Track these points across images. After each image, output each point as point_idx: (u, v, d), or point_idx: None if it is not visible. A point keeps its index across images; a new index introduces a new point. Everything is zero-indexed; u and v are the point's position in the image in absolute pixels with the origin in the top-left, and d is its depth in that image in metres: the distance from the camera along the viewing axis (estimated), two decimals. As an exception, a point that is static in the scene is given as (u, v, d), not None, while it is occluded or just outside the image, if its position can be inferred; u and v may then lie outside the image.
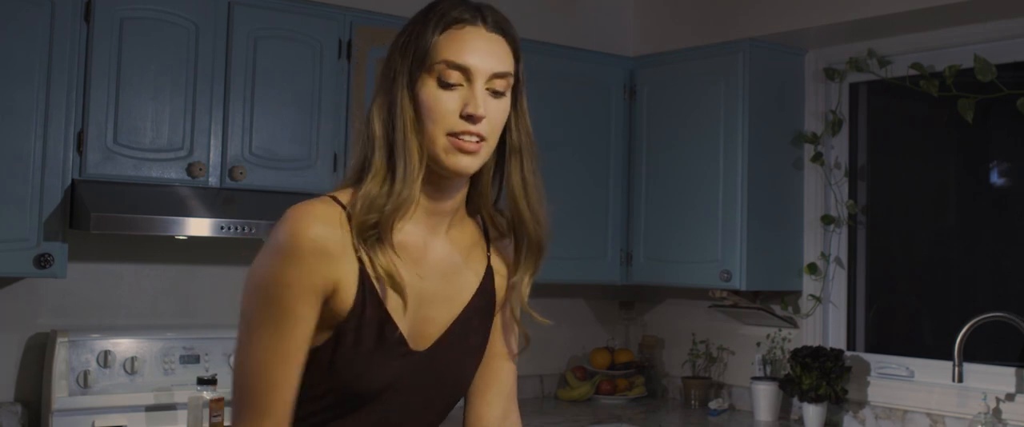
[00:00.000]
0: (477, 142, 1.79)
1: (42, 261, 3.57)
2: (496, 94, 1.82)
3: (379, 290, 1.79)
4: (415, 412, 1.91)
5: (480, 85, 1.79)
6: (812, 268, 4.62)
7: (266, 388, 1.74)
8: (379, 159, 1.79)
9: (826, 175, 4.64)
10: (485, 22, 1.83)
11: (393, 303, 1.80)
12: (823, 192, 4.66)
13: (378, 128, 1.81)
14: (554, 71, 4.71)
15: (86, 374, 3.84)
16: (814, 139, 4.62)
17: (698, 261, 4.62)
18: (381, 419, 1.86)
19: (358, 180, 1.81)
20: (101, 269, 4.08)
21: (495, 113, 1.82)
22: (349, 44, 4.17)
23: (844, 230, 4.63)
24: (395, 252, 1.79)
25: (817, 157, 4.61)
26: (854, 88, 4.67)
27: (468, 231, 1.97)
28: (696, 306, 5.08)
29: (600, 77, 4.89)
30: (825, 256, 4.63)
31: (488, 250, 2.00)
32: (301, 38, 4.07)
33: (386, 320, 1.80)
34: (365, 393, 1.81)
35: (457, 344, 1.93)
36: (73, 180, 3.63)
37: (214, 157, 3.89)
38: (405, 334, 1.83)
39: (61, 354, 3.81)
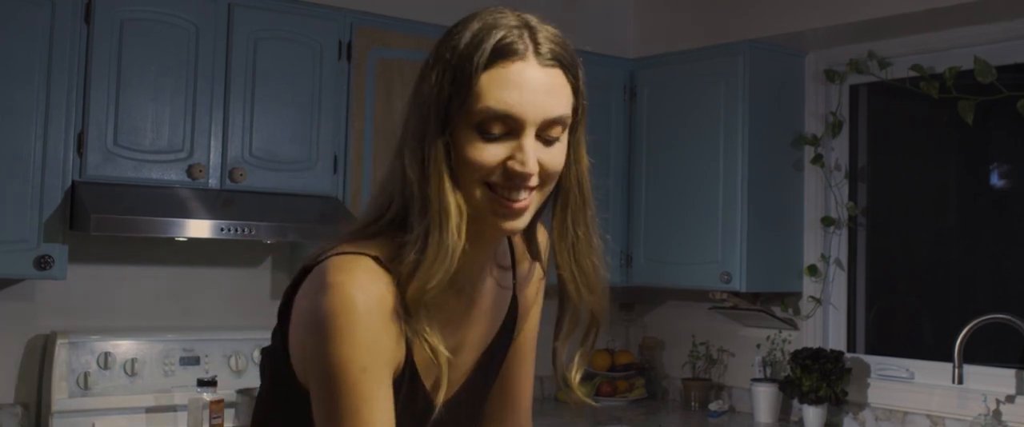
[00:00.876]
0: (527, 197, 1.54)
1: (42, 263, 3.57)
2: (549, 140, 1.54)
3: (413, 356, 1.58)
4: None
5: (530, 136, 1.51)
6: (812, 270, 4.62)
7: None
8: (416, 218, 1.53)
9: (826, 177, 4.64)
10: (538, 52, 1.53)
11: (424, 365, 1.60)
12: (823, 194, 4.66)
13: (413, 178, 1.53)
14: (554, 73, 4.70)
15: (86, 376, 3.84)
16: (814, 141, 4.62)
17: (698, 263, 4.62)
18: None
19: (395, 229, 1.56)
20: (101, 271, 4.08)
21: (550, 162, 1.55)
22: (349, 45, 4.17)
23: (844, 232, 4.62)
24: (433, 320, 1.56)
25: (817, 159, 4.61)
26: (854, 90, 4.67)
27: (501, 257, 1.76)
28: (696, 308, 5.08)
29: (600, 78, 4.88)
30: (825, 258, 4.63)
31: (514, 277, 1.78)
32: (301, 39, 4.07)
33: (419, 385, 1.61)
34: None
35: (477, 386, 1.77)
36: (73, 181, 3.63)
37: (214, 159, 3.89)
38: (429, 390, 1.64)
39: (61, 356, 3.81)
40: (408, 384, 1.59)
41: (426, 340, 1.53)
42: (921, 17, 4.08)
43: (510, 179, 1.51)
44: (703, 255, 4.60)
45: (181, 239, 4.01)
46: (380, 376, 1.50)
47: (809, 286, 4.66)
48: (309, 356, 1.53)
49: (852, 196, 4.64)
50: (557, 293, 1.69)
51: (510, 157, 1.51)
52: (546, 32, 1.57)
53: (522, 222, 1.56)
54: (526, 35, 1.54)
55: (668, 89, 4.82)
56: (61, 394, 3.79)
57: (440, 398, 1.58)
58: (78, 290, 4.01)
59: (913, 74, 4.26)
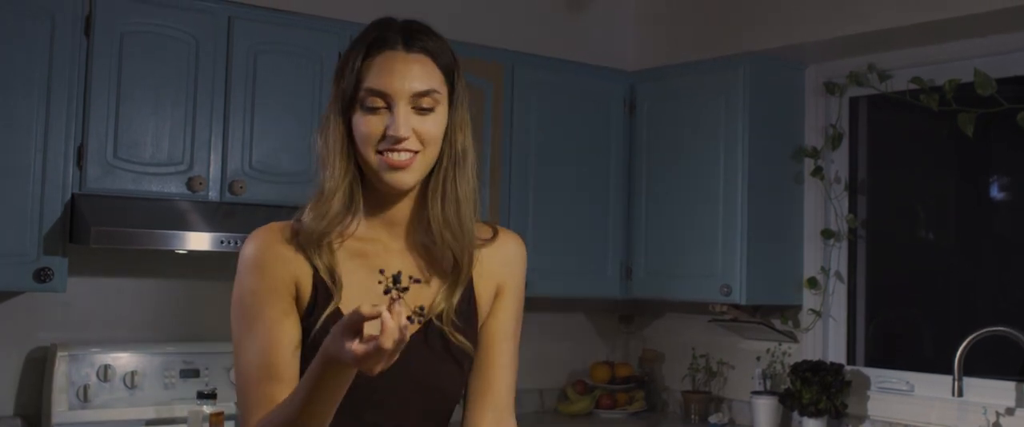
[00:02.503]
0: (409, 157, 1.90)
1: (42, 275, 3.57)
2: (424, 111, 1.91)
3: (334, 294, 1.92)
4: (395, 415, 1.95)
5: (402, 107, 1.89)
6: (812, 282, 4.62)
7: (255, 387, 1.87)
8: (324, 178, 1.95)
9: (826, 189, 4.64)
10: (406, 45, 1.92)
11: (349, 306, 1.86)
12: (823, 206, 4.66)
13: (319, 149, 1.96)
14: (554, 85, 4.71)
15: (86, 388, 3.83)
16: (814, 153, 4.62)
17: (698, 275, 4.62)
18: (357, 420, 1.91)
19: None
20: (101, 283, 4.08)
21: (426, 129, 1.91)
22: (349, 58, 4.16)
23: (844, 244, 4.62)
24: (334, 261, 1.93)
25: (817, 171, 4.61)
26: (854, 102, 4.67)
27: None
28: (696, 320, 5.07)
29: (600, 91, 4.89)
30: (825, 270, 4.63)
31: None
32: (301, 52, 4.07)
33: (339, 317, 1.86)
34: None
35: (432, 349, 1.96)
36: (73, 194, 3.63)
37: (214, 171, 3.89)
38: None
39: (61, 368, 3.81)
40: (330, 326, 1.84)
41: (321, 265, 1.91)
42: (921, 30, 4.08)
43: (390, 142, 1.88)
44: (703, 267, 4.60)
45: (181, 252, 4.01)
46: (268, 299, 1.89)
47: (809, 298, 4.66)
48: None
49: (852, 208, 4.64)
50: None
51: (388, 126, 1.89)
52: (418, 32, 1.95)
53: (408, 177, 1.91)
54: (398, 33, 1.93)
55: (668, 102, 4.82)
56: (61, 407, 3.79)
57: (339, 307, 1.90)
58: (78, 303, 4.01)
59: (913, 86, 4.26)
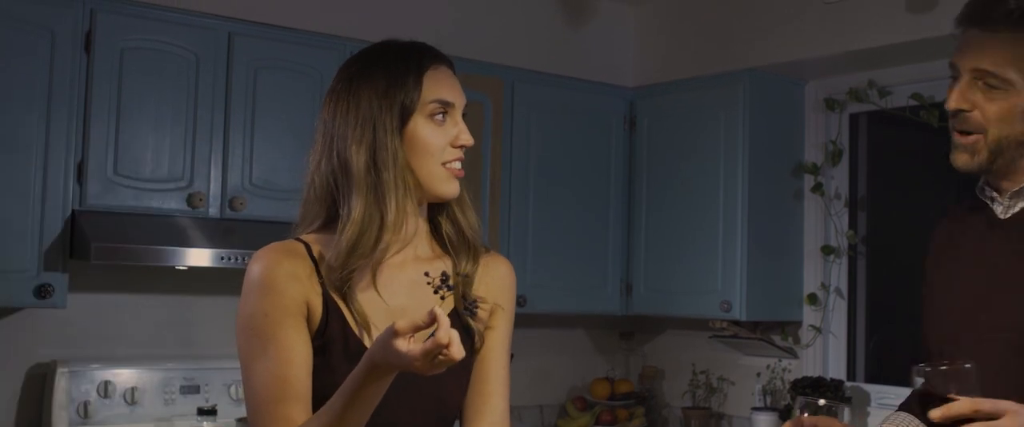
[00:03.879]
0: (462, 166, 1.97)
1: (42, 291, 3.57)
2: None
3: (342, 308, 1.93)
4: (401, 424, 1.96)
5: (460, 117, 1.97)
6: (812, 298, 4.62)
7: (271, 408, 1.85)
8: (362, 202, 1.90)
9: (826, 205, 4.64)
10: (446, 63, 2.00)
11: (358, 320, 1.93)
12: (823, 222, 4.66)
13: (363, 171, 1.91)
14: (554, 101, 4.72)
15: (86, 405, 3.83)
16: (814, 169, 4.62)
17: (698, 291, 4.61)
18: None
19: (325, 224, 2.01)
20: (101, 299, 4.07)
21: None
22: (350, 75, 4.16)
23: (844, 260, 4.62)
24: (363, 283, 1.94)
25: (817, 187, 4.61)
26: (854, 118, 4.67)
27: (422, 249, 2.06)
28: (696, 336, 5.07)
29: (600, 107, 4.89)
30: (825, 286, 4.63)
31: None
32: (301, 68, 4.07)
33: (350, 335, 1.92)
34: None
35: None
36: (73, 210, 3.63)
37: (214, 187, 3.89)
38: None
39: (61, 385, 3.81)
40: (342, 340, 1.91)
41: (341, 291, 1.91)
42: (921, 46, 4.08)
43: (457, 152, 1.96)
44: (703, 284, 4.59)
45: (181, 268, 4.01)
46: (281, 319, 1.88)
47: (809, 315, 4.66)
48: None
49: (852, 224, 4.64)
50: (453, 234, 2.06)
51: (457, 137, 1.95)
52: (438, 50, 2.01)
53: (458, 187, 1.98)
54: (439, 54, 1.99)
55: (668, 118, 4.83)
56: (61, 423, 3.78)
57: (366, 340, 1.91)
58: (78, 319, 4.01)
59: (913, 103, 4.27)
